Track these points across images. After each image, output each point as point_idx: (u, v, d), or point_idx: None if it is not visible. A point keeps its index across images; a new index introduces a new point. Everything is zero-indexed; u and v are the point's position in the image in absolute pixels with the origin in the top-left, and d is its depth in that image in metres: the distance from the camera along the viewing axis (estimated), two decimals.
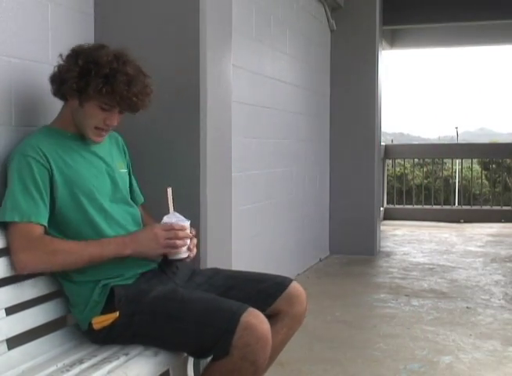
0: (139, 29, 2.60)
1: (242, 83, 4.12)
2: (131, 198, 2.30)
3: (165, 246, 2.06)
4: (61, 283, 2.12)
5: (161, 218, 2.12)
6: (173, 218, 2.12)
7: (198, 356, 2.05)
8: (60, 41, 2.47)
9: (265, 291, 2.20)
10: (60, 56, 2.13)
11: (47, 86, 2.41)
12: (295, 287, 2.25)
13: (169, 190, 2.14)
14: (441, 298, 4.57)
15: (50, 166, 2.02)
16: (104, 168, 2.18)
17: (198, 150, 2.54)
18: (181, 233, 2.07)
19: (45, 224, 2.00)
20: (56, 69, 2.13)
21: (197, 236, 2.22)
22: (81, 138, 2.16)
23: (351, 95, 6.27)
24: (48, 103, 2.43)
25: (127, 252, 2.04)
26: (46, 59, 2.40)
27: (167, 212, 2.13)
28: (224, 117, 2.78)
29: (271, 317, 2.17)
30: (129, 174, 2.35)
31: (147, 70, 2.16)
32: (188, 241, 2.12)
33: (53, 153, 2.05)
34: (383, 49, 6.86)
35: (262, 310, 2.14)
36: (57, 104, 2.47)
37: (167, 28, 2.56)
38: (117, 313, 2.00)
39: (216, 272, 2.31)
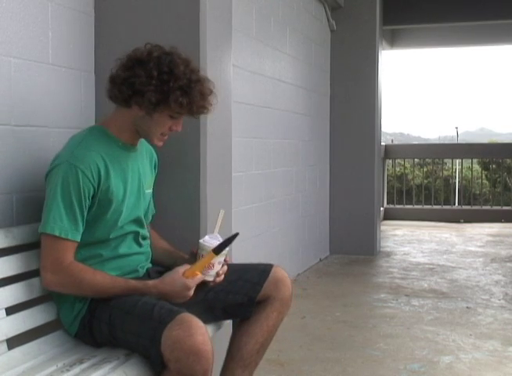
0: (139, 29, 2.60)
1: (242, 83, 4.12)
2: (146, 213, 2.30)
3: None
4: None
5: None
6: (214, 240, 2.12)
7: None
8: (60, 41, 2.47)
9: (250, 280, 2.24)
10: (118, 59, 2.08)
11: (47, 86, 2.42)
12: (278, 270, 2.29)
13: (222, 212, 2.19)
14: (441, 298, 4.57)
15: (99, 182, 2.00)
16: (136, 185, 2.17)
17: (198, 149, 2.54)
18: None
19: (79, 241, 2.00)
20: (120, 73, 2.06)
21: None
22: (129, 148, 2.15)
23: (351, 95, 6.27)
24: (48, 102, 2.43)
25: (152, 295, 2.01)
26: (46, 59, 2.40)
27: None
28: (224, 117, 2.78)
29: (261, 303, 2.23)
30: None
31: None
32: (219, 267, 2.13)
33: (103, 166, 2.02)
34: (383, 49, 6.85)
35: (253, 298, 2.21)
36: (57, 104, 2.48)
37: (167, 28, 2.56)
38: (212, 254, 2.04)
39: None
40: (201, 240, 2.13)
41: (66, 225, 1.95)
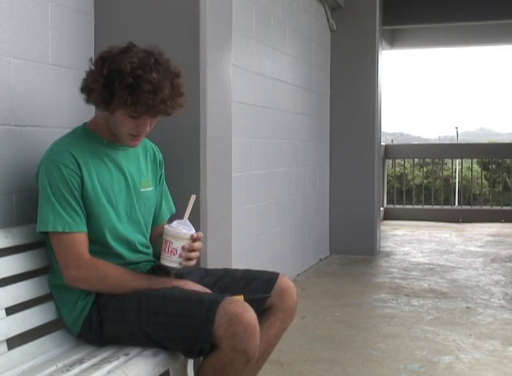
0: (139, 29, 2.60)
1: (242, 83, 4.12)
2: (158, 214, 2.29)
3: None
4: (49, 285, 2.11)
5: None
6: (182, 225, 2.04)
7: (188, 353, 2.01)
8: (60, 41, 2.47)
9: (256, 290, 2.20)
10: (90, 60, 2.07)
11: (47, 86, 2.42)
12: (284, 280, 2.26)
13: (193, 197, 2.09)
14: (441, 298, 4.57)
15: (81, 172, 2.00)
16: (124, 183, 2.13)
17: (198, 150, 2.54)
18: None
19: (86, 231, 2.01)
20: (85, 76, 2.05)
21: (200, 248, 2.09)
22: (116, 146, 2.12)
23: (351, 95, 6.27)
24: (48, 102, 2.43)
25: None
26: (46, 59, 2.40)
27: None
28: (224, 117, 2.78)
29: (263, 312, 2.19)
30: (161, 190, 2.31)
31: None
32: (183, 251, 1.99)
33: (84, 159, 2.02)
34: (383, 49, 6.85)
35: (257, 310, 2.16)
36: (57, 104, 2.48)
37: (167, 28, 2.56)
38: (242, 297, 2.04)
39: (205, 272, 2.31)
40: (167, 225, 2.04)
41: (67, 219, 1.96)
